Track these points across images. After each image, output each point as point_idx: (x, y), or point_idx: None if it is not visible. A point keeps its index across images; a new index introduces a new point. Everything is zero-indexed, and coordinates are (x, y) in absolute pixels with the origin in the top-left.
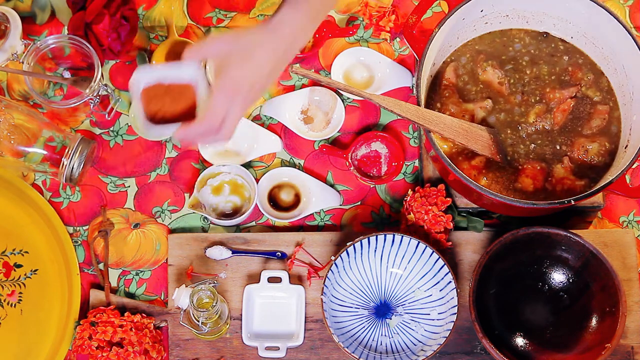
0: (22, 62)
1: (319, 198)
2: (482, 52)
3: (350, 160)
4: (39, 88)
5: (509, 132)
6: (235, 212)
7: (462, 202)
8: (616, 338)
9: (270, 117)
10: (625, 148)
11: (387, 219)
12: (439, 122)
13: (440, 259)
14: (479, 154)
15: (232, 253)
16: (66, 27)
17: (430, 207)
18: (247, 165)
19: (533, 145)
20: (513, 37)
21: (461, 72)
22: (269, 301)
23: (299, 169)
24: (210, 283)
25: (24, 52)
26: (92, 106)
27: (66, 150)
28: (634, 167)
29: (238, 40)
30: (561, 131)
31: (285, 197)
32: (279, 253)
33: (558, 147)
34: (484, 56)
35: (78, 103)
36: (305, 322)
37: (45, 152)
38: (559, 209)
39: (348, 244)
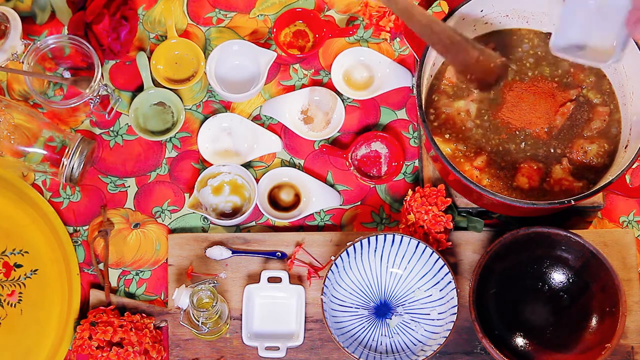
0: (22, 62)
1: (319, 198)
2: (492, 42)
3: (350, 160)
4: (39, 88)
5: (506, 134)
6: (235, 212)
7: (462, 202)
8: (616, 338)
9: (270, 117)
10: (625, 148)
11: (387, 219)
12: (428, 29)
13: (440, 259)
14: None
15: (232, 253)
16: (66, 27)
17: (430, 207)
18: (247, 165)
19: (531, 146)
20: (523, 37)
21: None
22: (269, 301)
23: (299, 169)
24: (210, 283)
25: (24, 52)
26: (92, 106)
27: (66, 150)
28: (633, 167)
29: None
30: (560, 133)
31: (285, 197)
32: (279, 253)
33: (557, 149)
34: (494, 45)
35: (78, 103)
36: (305, 322)
37: (45, 152)
38: (559, 209)
39: (348, 244)
